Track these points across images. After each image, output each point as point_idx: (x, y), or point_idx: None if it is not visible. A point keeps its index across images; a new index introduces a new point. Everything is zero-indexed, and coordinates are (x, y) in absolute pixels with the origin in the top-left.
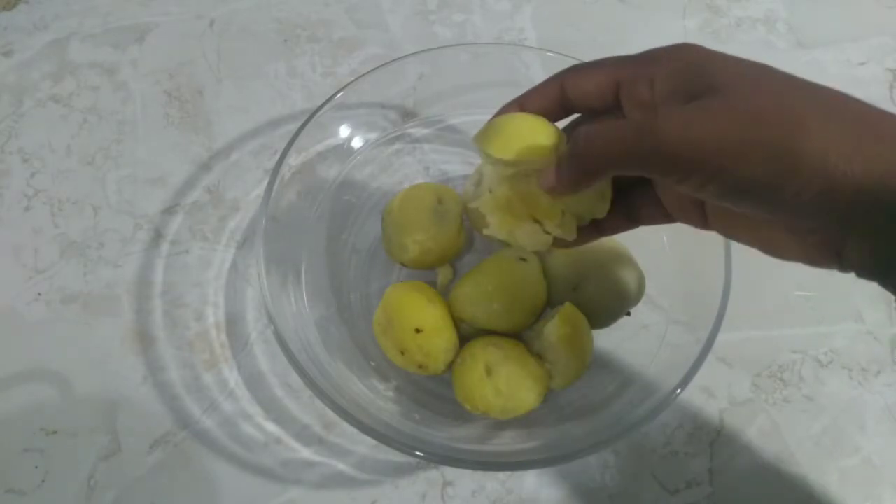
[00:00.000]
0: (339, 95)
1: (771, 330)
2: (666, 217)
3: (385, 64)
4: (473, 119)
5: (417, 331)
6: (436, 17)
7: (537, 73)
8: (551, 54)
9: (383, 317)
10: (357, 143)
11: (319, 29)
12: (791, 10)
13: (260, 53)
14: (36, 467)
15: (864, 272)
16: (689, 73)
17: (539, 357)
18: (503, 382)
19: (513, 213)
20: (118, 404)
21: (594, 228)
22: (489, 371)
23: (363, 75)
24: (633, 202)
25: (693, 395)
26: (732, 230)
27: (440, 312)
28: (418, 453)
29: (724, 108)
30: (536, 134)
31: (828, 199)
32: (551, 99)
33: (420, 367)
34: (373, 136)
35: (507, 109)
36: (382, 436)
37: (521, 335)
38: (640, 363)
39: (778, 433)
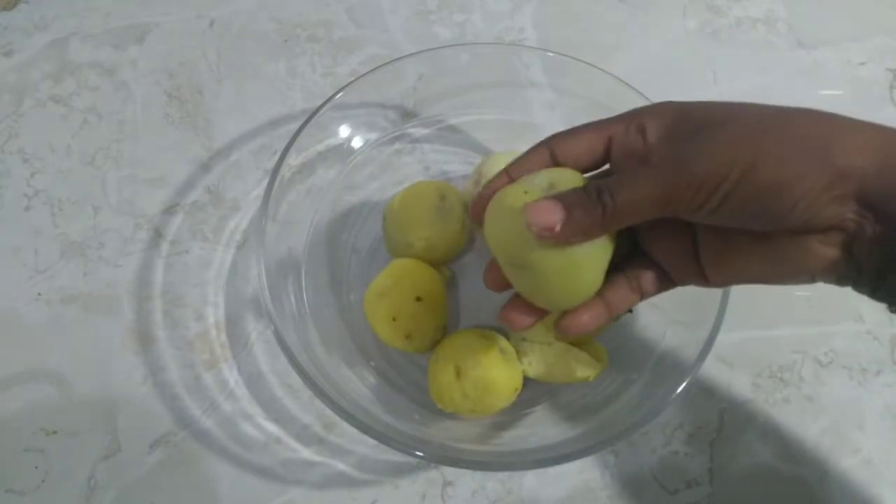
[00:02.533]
0: (338, 95)
1: (771, 330)
2: (668, 283)
3: (385, 64)
4: (473, 119)
5: (418, 299)
6: (436, 17)
7: (537, 73)
8: (551, 54)
9: (385, 282)
10: (357, 143)
11: (319, 29)
12: (791, 10)
13: (260, 53)
14: (36, 467)
15: (870, 277)
16: (678, 118)
17: (524, 348)
18: (470, 386)
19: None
20: (118, 404)
21: (605, 309)
22: (458, 373)
23: (363, 75)
24: (635, 274)
25: (693, 395)
26: (730, 271)
27: (440, 291)
28: (418, 453)
29: (728, 132)
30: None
31: (837, 188)
32: (541, 165)
33: (407, 336)
34: (373, 136)
35: (497, 181)
36: (382, 436)
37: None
38: (640, 363)
39: (778, 433)
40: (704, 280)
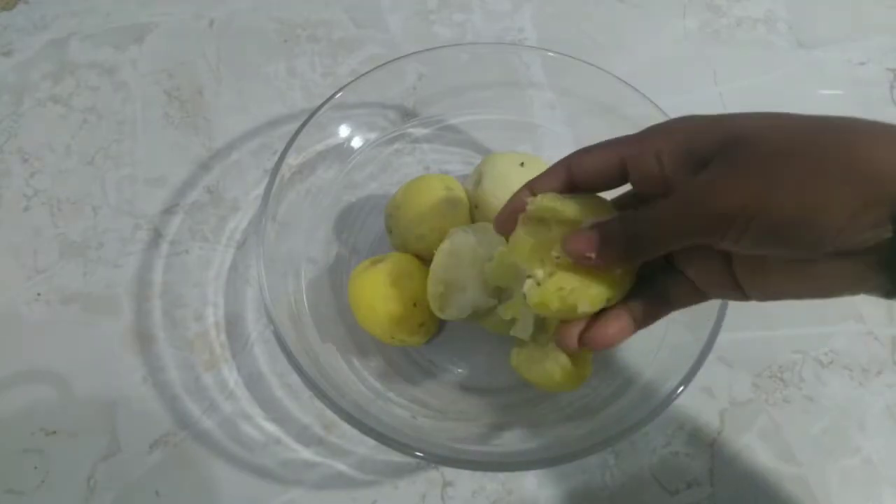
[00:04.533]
0: (338, 95)
1: (771, 330)
2: (699, 296)
3: (385, 64)
4: (473, 119)
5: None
6: (436, 17)
7: (537, 72)
8: (551, 54)
9: (398, 267)
10: (357, 143)
11: (319, 29)
12: (791, 10)
13: (260, 53)
14: (36, 467)
15: None
16: (693, 141)
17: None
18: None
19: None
20: (118, 404)
21: (632, 323)
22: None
23: (363, 75)
24: (664, 286)
25: (693, 395)
26: (768, 289)
27: None
28: (418, 453)
29: (743, 159)
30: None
31: (870, 213)
32: (560, 181)
33: (422, 325)
34: (373, 136)
35: (518, 195)
36: (382, 436)
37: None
38: (640, 363)
39: (778, 433)
40: (743, 295)
